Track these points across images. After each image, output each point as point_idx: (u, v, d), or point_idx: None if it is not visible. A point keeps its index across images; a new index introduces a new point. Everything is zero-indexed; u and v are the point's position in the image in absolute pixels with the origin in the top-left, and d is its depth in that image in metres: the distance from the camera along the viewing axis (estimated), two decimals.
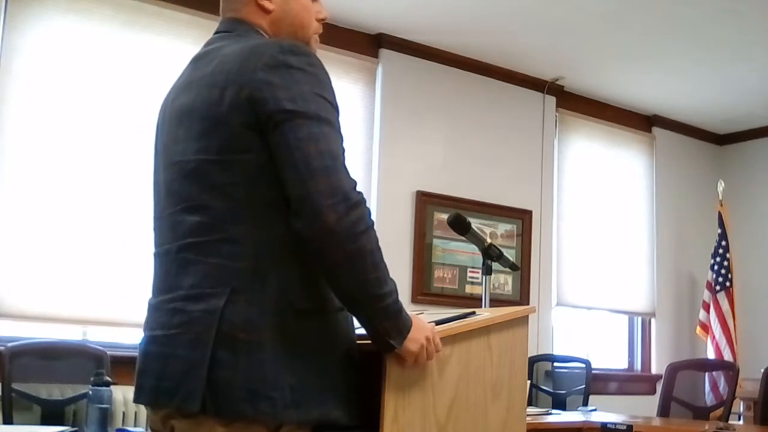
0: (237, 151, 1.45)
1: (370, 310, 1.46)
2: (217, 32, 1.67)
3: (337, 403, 1.49)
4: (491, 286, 2.72)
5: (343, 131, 1.50)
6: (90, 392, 2.54)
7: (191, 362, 1.41)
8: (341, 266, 1.42)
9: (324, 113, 1.45)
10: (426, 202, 4.78)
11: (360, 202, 1.42)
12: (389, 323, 1.48)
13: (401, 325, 1.50)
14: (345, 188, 1.40)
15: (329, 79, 1.52)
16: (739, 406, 4.93)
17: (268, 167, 1.43)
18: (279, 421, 1.42)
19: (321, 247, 1.41)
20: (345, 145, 1.48)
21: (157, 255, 1.59)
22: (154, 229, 1.62)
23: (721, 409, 3.89)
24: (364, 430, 1.56)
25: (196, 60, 1.63)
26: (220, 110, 1.46)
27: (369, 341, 1.54)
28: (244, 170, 1.45)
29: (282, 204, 1.43)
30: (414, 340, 1.52)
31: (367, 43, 4.72)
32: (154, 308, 1.55)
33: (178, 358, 1.43)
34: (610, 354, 5.81)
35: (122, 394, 3.41)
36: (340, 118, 1.51)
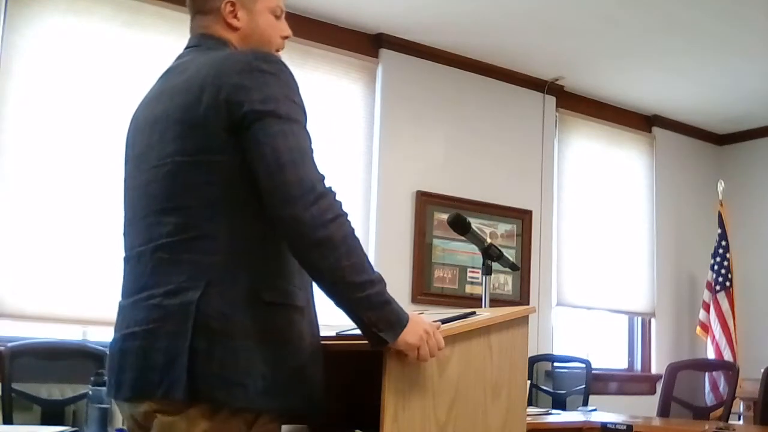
0: (212, 151, 1.51)
1: (350, 298, 1.49)
2: (187, 47, 1.75)
3: (302, 395, 1.54)
4: (491, 286, 2.71)
5: (312, 134, 1.56)
6: (90, 392, 2.53)
7: (172, 353, 1.45)
8: (313, 255, 1.46)
9: (293, 114, 1.52)
10: (426, 202, 4.78)
11: (327, 192, 1.48)
12: (374, 314, 1.49)
13: (391, 317, 1.51)
14: (312, 179, 1.46)
15: (297, 85, 1.59)
16: (739, 406, 4.93)
17: (243, 167, 1.49)
18: (254, 409, 1.48)
19: (292, 238, 1.47)
20: (314, 146, 1.54)
21: (128, 258, 1.64)
22: (125, 234, 1.66)
23: (721, 409, 3.89)
24: (364, 429, 1.57)
25: (168, 72, 1.72)
26: (197, 113, 1.52)
27: (365, 341, 1.54)
28: (219, 170, 1.51)
29: (256, 202, 1.49)
30: (412, 332, 1.53)
31: (367, 43, 4.72)
32: (128, 307, 1.59)
33: (159, 351, 1.47)
34: (610, 354, 5.81)
35: None
36: (309, 122, 1.58)
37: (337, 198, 1.49)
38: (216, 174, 1.51)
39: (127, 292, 1.61)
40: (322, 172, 1.50)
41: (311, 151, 1.52)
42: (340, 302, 1.50)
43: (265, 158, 1.46)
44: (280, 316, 1.53)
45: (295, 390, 1.52)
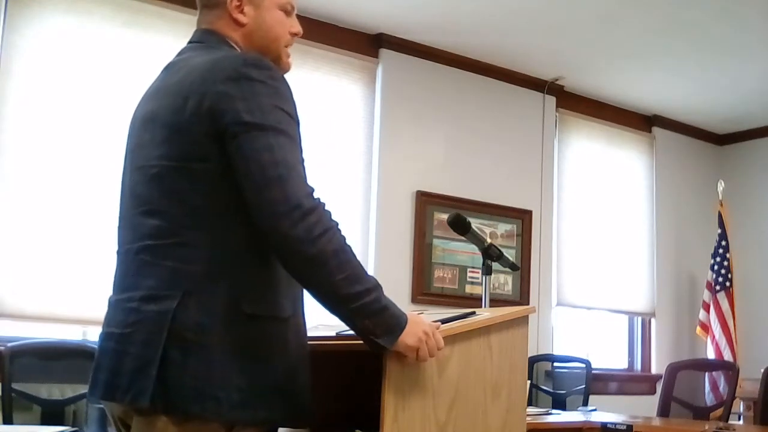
0: (196, 159, 1.49)
1: (345, 310, 1.48)
2: (190, 42, 1.71)
3: (286, 406, 1.52)
4: (491, 286, 2.71)
5: (304, 142, 1.53)
6: None
7: (143, 360, 1.45)
8: (303, 271, 1.46)
9: (281, 125, 1.48)
10: (426, 202, 4.78)
11: (315, 207, 1.45)
12: (371, 321, 1.49)
13: (390, 322, 1.51)
14: (299, 195, 1.44)
15: (290, 92, 1.55)
16: (739, 406, 4.93)
17: (227, 176, 1.47)
18: (229, 421, 1.46)
19: (283, 255, 1.46)
20: (305, 155, 1.52)
21: (119, 253, 1.64)
22: (118, 228, 1.66)
23: (721, 409, 3.89)
24: (364, 429, 1.57)
25: (167, 68, 1.68)
26: (182, 119, 1.50)
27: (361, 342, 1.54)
28: (203, 178, 1.49)
29: (240, 211, 1.47)
30: (411, 334, 1.53)
31: (367, 43, 4.72)
32: (113, 305, 1.59)
33: (131, 356, 1.47)
34: (610, 354, 5.81)
35: None
36: (301, 130, 1.55)
37: (326, 209, 1.47)
38: (201, 182, 1.49)
39: (114, 288, 1.61)
40: (310, 186, 1.48)
41: (301, 162, 1.49)
42: (336, 314, 1.50)
43: (251, 174, 1.44)
44: (260, 328, 1.50)
45: (275, 402, 1.50)
